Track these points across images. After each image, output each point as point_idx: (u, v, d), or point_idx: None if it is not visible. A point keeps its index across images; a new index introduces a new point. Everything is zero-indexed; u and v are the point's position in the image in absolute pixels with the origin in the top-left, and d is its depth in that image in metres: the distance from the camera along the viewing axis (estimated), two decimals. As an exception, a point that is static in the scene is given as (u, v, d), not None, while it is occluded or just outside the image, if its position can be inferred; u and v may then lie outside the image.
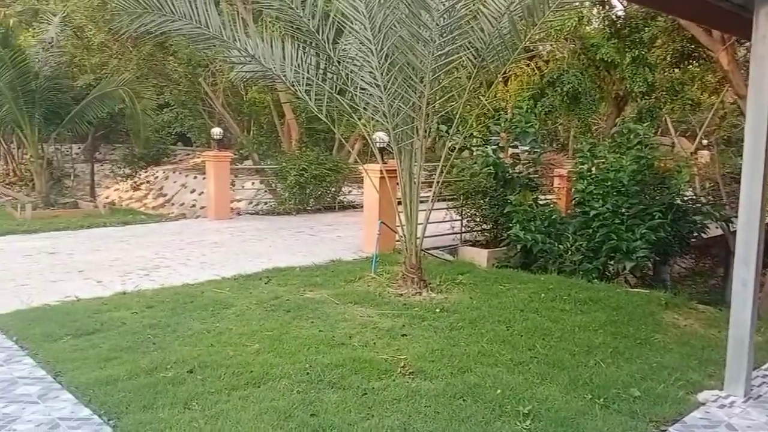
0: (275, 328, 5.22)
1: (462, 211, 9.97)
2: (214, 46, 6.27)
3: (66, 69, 13.24)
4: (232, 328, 5.18)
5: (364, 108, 6.78)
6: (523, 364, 4.59)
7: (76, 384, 3.95)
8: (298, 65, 6.64)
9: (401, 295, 6.46)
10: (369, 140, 7.94)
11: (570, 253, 8.60)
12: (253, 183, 14.94)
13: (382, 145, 7.88)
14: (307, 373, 4.22)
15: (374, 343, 4.96)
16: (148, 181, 18.35)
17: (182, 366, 4.26)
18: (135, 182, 18.22)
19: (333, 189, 13.52)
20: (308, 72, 6.67)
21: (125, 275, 7.14)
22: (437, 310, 5.92)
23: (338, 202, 13.80)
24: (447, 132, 7.54)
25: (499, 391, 4.05)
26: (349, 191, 14.18)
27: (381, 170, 8.14)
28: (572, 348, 4.99)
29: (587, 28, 17.47)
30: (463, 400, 3.91)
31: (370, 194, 8.81)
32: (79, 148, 18.21)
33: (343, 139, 12.63)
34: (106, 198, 17.00)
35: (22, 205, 12.02)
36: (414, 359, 4.57)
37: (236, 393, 3.89)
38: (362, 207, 14.04)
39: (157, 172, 18.53)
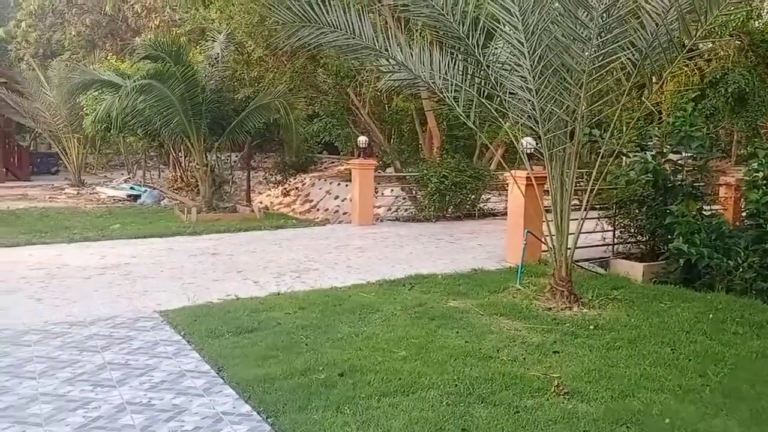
0: (421, 335, 5.19)
1: (614, 222, 9.37)
2: (366, 55, 6.41)
3: (228, 83, 14.30)
4: (379, 333, 5.22)
5: (513, 112, 6.58)
6: (693, 391, 4.16)
7: (237, 380, 4.17)
8: (446, 71, 6.60)
9: (550, 309, 6.17)
10: (516, 145, 7.70)
11: (741, 270, 7.75)
12: (392, 190, 15.18)
13: (530, 151, 7.60)
14: (456, 385, 4.13)
15: (524, 358, 4.76)
16: (296, 188, 19.36)
17: (333, 369, 4.35)
18: (285, 188, 19.28)
19: (473, 196, 13.35)
20: (455, 78, 6.61)
21: (279, 276, 7.50)
22: (591, 327, 5.57)
23: (478, 210, 13.59)
24: (601, 137, 7.11)
25: (667, 420, 3.69)
26: (488, 199, 13.95)
27: (528, 177, 7.86)
28: (750, 377, 4.45)
29: (756, 23, 15.81)
30: (627, 427, 3.61)
31: (515, 202, 8.54)
32: (236, 156, 19.62)
33: (488, 144, 12.40)
34: (260, 203, 18.13)
35: (188, 209, 13.13)
36: (568, 378, 4.31)
37: (386, 400, 3.89)
38: (503, 215, 13.76)
39: (304, 179, 19.49)
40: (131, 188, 18.28)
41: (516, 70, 6.29)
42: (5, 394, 3.94)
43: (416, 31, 11.22)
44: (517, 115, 6.54)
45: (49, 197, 17.35)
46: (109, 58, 20.44)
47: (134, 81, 12.51)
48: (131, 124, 14.22)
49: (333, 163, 21.79)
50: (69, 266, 7.99)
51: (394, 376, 4.25)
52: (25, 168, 23.00)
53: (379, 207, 14.49)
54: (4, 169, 21.87)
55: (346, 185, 16.38)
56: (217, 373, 4.33)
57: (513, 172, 8.08)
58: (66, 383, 4.13)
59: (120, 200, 16.95)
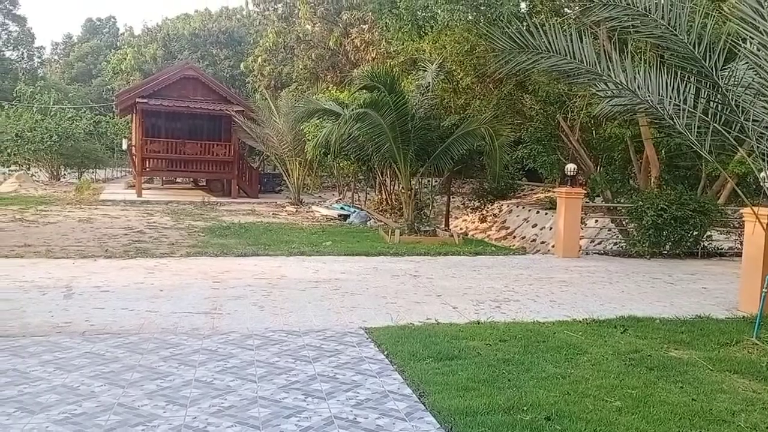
0: (637, 386, 4.69)
1: None
2: (585, 80, 6.09)
3: (435, 110, 14.69)
4: (589, 377, 4.83)
5: (757, 141, 5.76)
6: None
7: (438, 408, 4.11)
8: (676, 95, 6.01)
9: (798, 371, 5.22)
10: (753, 178, 6.73)
11: None
12: (596, 221, 14.27)
13: (775, 186, 6.59)
14: (682, 449, 3.63)
15: (766, 426, 4.05)
16: (493, 214, 19.14)
17: (538, 410, 4.09)
18: (482, 214, 19.17)
19: (695, 233, 12.01)
20: (686, 102, 5.98)
21: (478, 304, 7.38)
22: None
23: (701, 248, 12.20)
24: None
25: None
26: (710, 236, 12.46)
27: (772, 215, 6.82)
28: None
29: None
30: None
31: (753, 242, 7.46)
32: (436, 181, 20.01)
33: (717, 175, 11.11)
34: (458, 228, 18.24)
35: (392, 230, 13.64)
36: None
37: (598, 454, 3.54)
38: (731, 255, 12.22)
39: (502, 205, 19.20)
40: (342, 208, 19.55)
41: (763, 94, 5.51)
42: (230, 394, 4.31)
43: (637, 53, 10.50)
44: (763, 145, 5.72)
45: (273, 213, 19.24)
46: (329, 88, 22.25)
47: (351, 110, 13.42)
48: (346, 149, 15.24)
49: (532, 190, 21.22)
50: (287, 278, 8.69)
51: (607, 428, 3.87)
52: (254, 186, 25.85)
53: (581, 238, 13.72)
54: (237, 187, 24.77)
55: (545, 213, 15.79)
56: (419, 399, 4.32)
57: (754, 208, 7.08)
58: (281, 390, 4.41)
59: (332, 219, 18.21)
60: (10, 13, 70.66)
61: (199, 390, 4.35)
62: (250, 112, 24.46)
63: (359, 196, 24.24)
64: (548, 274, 9.76)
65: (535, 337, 5.89)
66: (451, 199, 19.27)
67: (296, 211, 20.40)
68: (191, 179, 29.12)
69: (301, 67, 29.92)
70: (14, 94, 40.83)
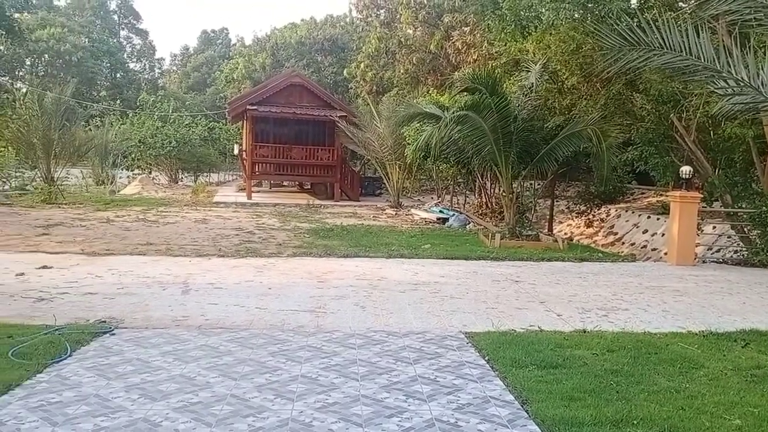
0: (761, 404, 4.35)
1: None
2: (701, 78, 5.73)
3: (539, 112, 14.34)
4: (705, 393, 4.54)
5: None
6: None
7: (542, 417, 4.01)
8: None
9: None
10: None
11: None
12: (714, 227, 13.34)
13: None
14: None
15: None
16: (600, 219, 18.39)
17: (650, 425, 3.90)
18: (588, 219, 18.47)
19: (831, 242, 10.95)
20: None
21: (583, 312, 7.13)
22: None
23: (838, 259, 11.11)
24: None
25: None
26: None
27: None
28: None
29: None
30: None
31: None
32: (539, 184, 19.52)
33: None
34: (562, 233, 17.69)
35: (492, 234, 13.45)
36: None
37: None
38: None
39: (609, 209, 18.41)
40: (440, 211, 19.54)
41: None
42: (333, 391, 4.44)
43: (761, 48, 9.74)
44: None
45: (373, 216, 19.57)
46: (430, 92, 22.32)
47: (452, 112, 13.38)
48: (446, 152, 15.22)
49: (643, 194, 20.18)
50: (387, 279, 8.81)
51: (726, 448, 3.63)
52: (356, 190, 26.41)
53: (697, 245, 12.89)
54: (340, 191, 25.41)
55: (657, 218, 14.98)
56: (521, 406, 4.24)
57: None
58: (383, 389, 4.48)
59: (430, 222, 18.25)
60: (134, 27, 76.73)
61: (304, 385, 4.51)
62: (353, 117, 25.01)
63: (458, 199, 24.12)
64: (660, 282, 9.26)
65: (646, 349, 5.62)
66: (555, 203, 18.73)
67: (395, 214, 20.62)
68: (297, 182, 30.17)
69: (402, 71, 30.22)
70: (137, 103, 44.19)
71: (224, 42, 75.32)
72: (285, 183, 31.07)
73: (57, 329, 5.60)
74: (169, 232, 13.51)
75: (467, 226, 17.20)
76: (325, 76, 42.93)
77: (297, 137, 25.86)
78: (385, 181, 25.00)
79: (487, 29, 18.80)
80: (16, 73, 56.72)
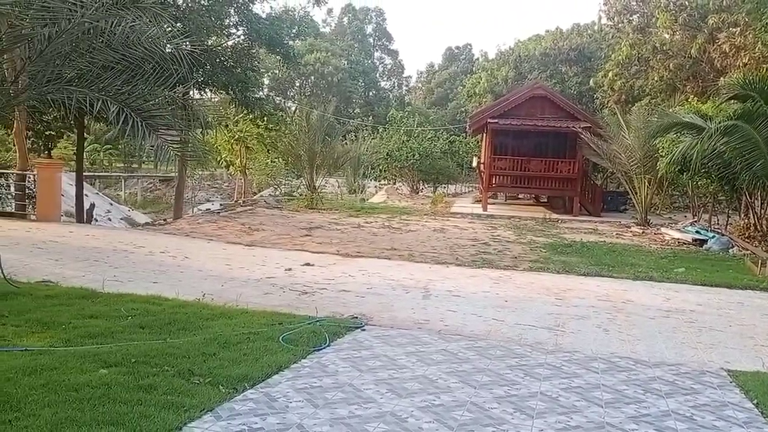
0: None
1: None
2: None
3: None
4: None
5: None
6: None
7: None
8: None
9: None
10: None
11: None
12: None
13: None
14: None
15: None
16: None
17: None
18: None
19: None
20: None
21: None
22: None
23: None
24: None
25: None
26: None
27: None
28: None
29: None
30: None
31: None
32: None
33: None
34: None
35: (763, 261, 11.71)
36: None
37: None
38: None
39: None
40: (697, 232, 17.56)
41: None
42: (575, 413, 4.26)
43: None
44: None
45: (616, 234, 18.36)
46: (689, 100, 20.29)
47: (717, 122, 12.00)
48: (707, 166, 13.68)
49: None
50: (633, 303, 8.21)
51: None
52: (597, 204, 25.03)
53: None
54: (579, 205, 24.34)
55: None
56: (802, 465, 3.63)
57: None
58: (631, 420, 4.18)
59: (684, 243, 16.51)
60: (386, 48, 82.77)
61: (544, 403, 4.41)
62: (597, 129, 23.81)
63: (718, 219, 21.45)
64: None
65: None
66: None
67: (642, 232, 19.06)
68: (532, 195, 29.66)
69: (656, 78, 27.96)
70: (386, 119, 47.54)
71: (467, 57, 77.26)
72: (520, 196, 30.75)
73: (318, 320, 6.28)
74: (410, 239, 14.27)
75: (730, 251, 15.19)
76: (568, 87, 41.59)
77: (536, 149, 25.43)
78: (631, 196, 23.28)
79: (762, 29, 16.49)
80: (287, 93, 65.05)
